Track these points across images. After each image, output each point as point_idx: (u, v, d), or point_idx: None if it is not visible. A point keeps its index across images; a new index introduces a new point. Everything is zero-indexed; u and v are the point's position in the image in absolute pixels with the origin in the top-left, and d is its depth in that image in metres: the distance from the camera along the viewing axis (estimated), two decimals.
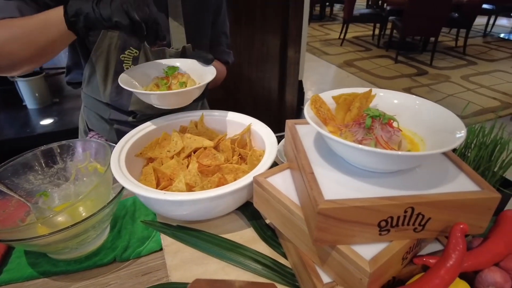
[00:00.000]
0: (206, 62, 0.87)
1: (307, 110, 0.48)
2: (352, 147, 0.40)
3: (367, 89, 0.51)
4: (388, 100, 0.52)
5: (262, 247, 0.58)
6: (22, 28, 0.68)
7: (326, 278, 0.45)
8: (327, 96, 0.51)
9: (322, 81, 4.00)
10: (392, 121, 0.46)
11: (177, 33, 0.90)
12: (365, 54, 4.95)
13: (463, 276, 0.48)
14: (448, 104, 3.37)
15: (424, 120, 0.49)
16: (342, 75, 4.15)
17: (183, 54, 0.92)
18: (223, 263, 0.54)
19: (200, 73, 0.82)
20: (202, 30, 0.98)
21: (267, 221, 0.63)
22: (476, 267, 0.47)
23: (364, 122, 0.45)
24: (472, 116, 3.16)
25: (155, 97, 0.71)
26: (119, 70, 0.85)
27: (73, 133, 1.10)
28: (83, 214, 0.65)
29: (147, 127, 0.72)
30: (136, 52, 0.88)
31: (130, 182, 0.56)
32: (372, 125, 0.45)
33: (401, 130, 0.46)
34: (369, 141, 0.44)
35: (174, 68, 0.81)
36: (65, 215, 0.64)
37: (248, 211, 0.63)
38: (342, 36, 5.33)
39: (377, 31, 5.47)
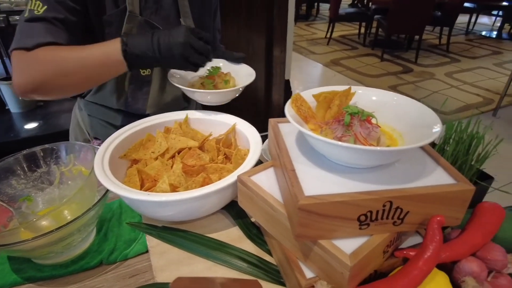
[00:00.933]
0: (237, 61, 0.93)
1: (288, 108, 0.49)
2: (330, 144, 0.41)
3: (346, 87, 0.52)
4: (367, 97, 0.53)
5: (248, 245, 0.58)
6: (76, 63, 0.67)
7: (309, 273, 0.46)
8: (308, 95, 0.52)
9: (309, 80, 4.03)
10: (370, 117, 0.47)
11: None
12: (351, 52, 5.00)
13: (442, 267, 0.49)
14: (433, 100, 3.44)
15: (402, 115, 0.50)
16: (329, 74, 4.19)
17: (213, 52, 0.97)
18: (210, 263, 0.55)
19: (236, 71, 0.91)
20: (209, 31, 1.01)
21: (253, 220, 0.63)
22: (454, 257, 0.48)
23: (344, 119, 0.46)
24: (456, 112, 3.22)
25: (216, 95, 0.77)
26: (135, 75, 0.86)
27: (59, 137, 1.09)
28: (68, 217, 0.64)
29: (131, 128, 0.72)
30: None
31: (114, 184, 0.56)
32: (351, 122, 0.46)
33: (379, 126, 0.47)
34: (348, 137, 0.45)
35: (217, 68, 0.87)
36: (49, 219, 0.63)
37: (233, 210, 0.64)
38: (328, 35, 5.37)
39: (363, 30, 5.53)
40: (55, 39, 0.70)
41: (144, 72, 0.88)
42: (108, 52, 0.66)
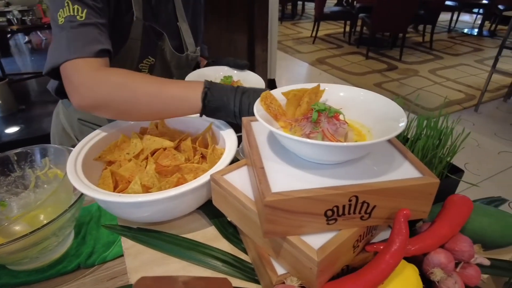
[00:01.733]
0: (241, 67, 0.96)
1: (257, 107, 0.49)
2: (297, 141, 0.41)
3: (315, 84, 0.52)
4: (335, 94, 0.54)
5: (224, 245, 0.58)
6: (152, 99, 0.64)
7: (281, 270, 0.46)
8: (278, 93, 0.52)
9: (296, 79, 4.05)
10: (338, 114, 0.48)
11: (187, 37, 0.95)
12: (337, 51, 5.04)
13: (413, 259, 0.50)
14: (416, 97, 3.49)
15: (369, 111, 0.51)
16: (315, 73, 4.22)
17: (216, 61, 1.03)
18: (184, 263, 0.55)
19: (245, 79, 0.97)
20: (199, 33, 1.03)
21: (229, 219, 0.63)
22: (424, 250, 0.49)
23: (312, 116, 0.47)
24: (440, 108, 3.28)
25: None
26: None
27: (42, 141, 1.07)
28: (45, 222, 0.63)
29: (106, 130, 0.71)
30: (153, 60, 0.90)
31: (86, 186, 0.55)
32: (318, 119, 0.46)
33: (347, 123, 0.48)
34: (316, 134, 0.45)
35: (230, 77, 0.93)
36: (23, 223, 0.62)
37: (209, 209, 0.64)
38: (314, 34, 5.40)
39: (348, 29, 5.58)
40: (108, 45, 0.69)
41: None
42: (188, 97, 0.64)
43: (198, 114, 0.66)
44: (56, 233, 0.59)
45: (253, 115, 0.61)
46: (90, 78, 0.64)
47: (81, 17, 0.65)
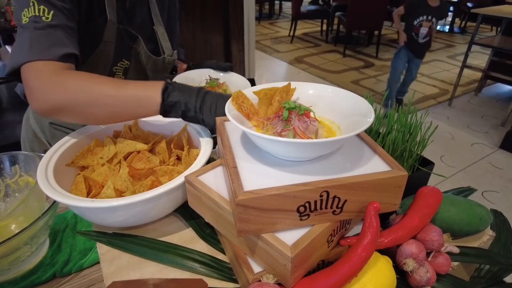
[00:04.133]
0: (225, 69, 0.98)
1: (228, 106, 0.49)
2: (267, 140, 0.42)
3: (286, 83, 0.53)
4: (305, 91, 0.55)
5: (201, 246, 0.58)
6: (112, 99, 0.62)
7: (257, 268, 0.46)
8: (249, 92, 0.52)
9: (275, 78, 4.06)
10: (309, 112, 0.48)
11: (164, 40, 0.94)
12: (315, 50, 5.10)
13: (387, 251, 0.51)
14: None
15: (338, 107, 0.52)
16: (293, 72, 4.25)
17: (198, 64, 1.03)
18: (161, 266, 0.54)
19: (230, 81, 0.99)
20: (175, 36, 1.03)
21: (206, 220, 0.63)
22: (396, 241, 0.50)
23: (283, 114, 0.47)
24: (416, 104, 3.37)
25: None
26: None
27: (15, 148, 1.03)
28: (16, 232, 0.61)
29: (78, 135, 0.69)
30: (127, 64, 0.87)
31: (57, 192, 0.54)
32: (289, 117, 0.47)
33: (317, 120, 0.49)
34: (287, 132, 0.46)
35: (216, 80, 0.95)
36: None
37: (186, 211, 0.63)
38: (291, 33, 5.44)
39: (325, 27, 5.65)
40: (75, 50, 0.66)
41: (118, 76, 0.87)
42: (146, 92, 0.63)
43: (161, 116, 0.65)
44: (29, 243, 0.57)
45: (216, 113, 0.62)
46: (45, 82, 0.62)
47: (47, 18, 0.63)
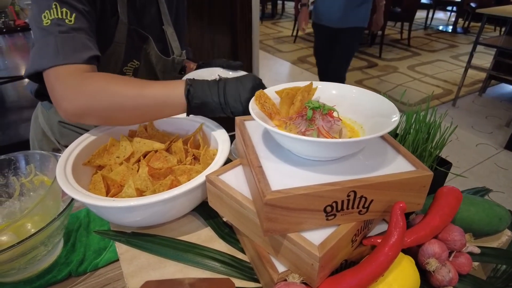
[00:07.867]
0: (235, 68, 0.96)
1: (252, 106, 0.49)
2: (294, 139, 0.42)
3: (308, 83, 0.53)
4: (327, 91, 0.55)
5: (220, 245, 0.58)
6: (135, 101, 0.62)
7: (281, 268, 0.46)
8: (271, 91, 0.52)
9: (278, 78, 4.07)
10: (332, 111, 0.48)
11: (173, 40, 0.94)
12: None
13: (408, 251, 0.51)
14: (397, 93, 3.57)
15: (361, 108, 0.52)
16: (297, 72, 4.25)
17: (208, 63, 1.01)
18: (181, 265, 0.54)
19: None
20: (183, 35, 1.02)
21: (224, 219, 0.63)
22: (418, 241, 0.50)
23: (306, 114, 0.47)
24: (420, 103, 3.36)
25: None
26: None
27: (19, 147, 1.03)
28: (32, 231, 0.61)
29: (94, 134, 0.69)
30: (137, 64, 0.88)
31: (78, 191, 0.54)
32: (313, 117, 0.47)
33: (341, 119, 0.49)
34: (311, 131, 0.46)
35: None
36: (9, 233, 0.60)
37: (204, 211, 0.63)
38: (294, 33, 5.44)
39: None
40: (97, 51, 0.67)
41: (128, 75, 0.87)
42: (170, 96, 0.63)
43: (185, 114, 0.65)
44: (45, 242, 0.57)
45: (241, 100, 0.62)
46: (73, 86, 0.62)
47: (70, 21, 0.63)
